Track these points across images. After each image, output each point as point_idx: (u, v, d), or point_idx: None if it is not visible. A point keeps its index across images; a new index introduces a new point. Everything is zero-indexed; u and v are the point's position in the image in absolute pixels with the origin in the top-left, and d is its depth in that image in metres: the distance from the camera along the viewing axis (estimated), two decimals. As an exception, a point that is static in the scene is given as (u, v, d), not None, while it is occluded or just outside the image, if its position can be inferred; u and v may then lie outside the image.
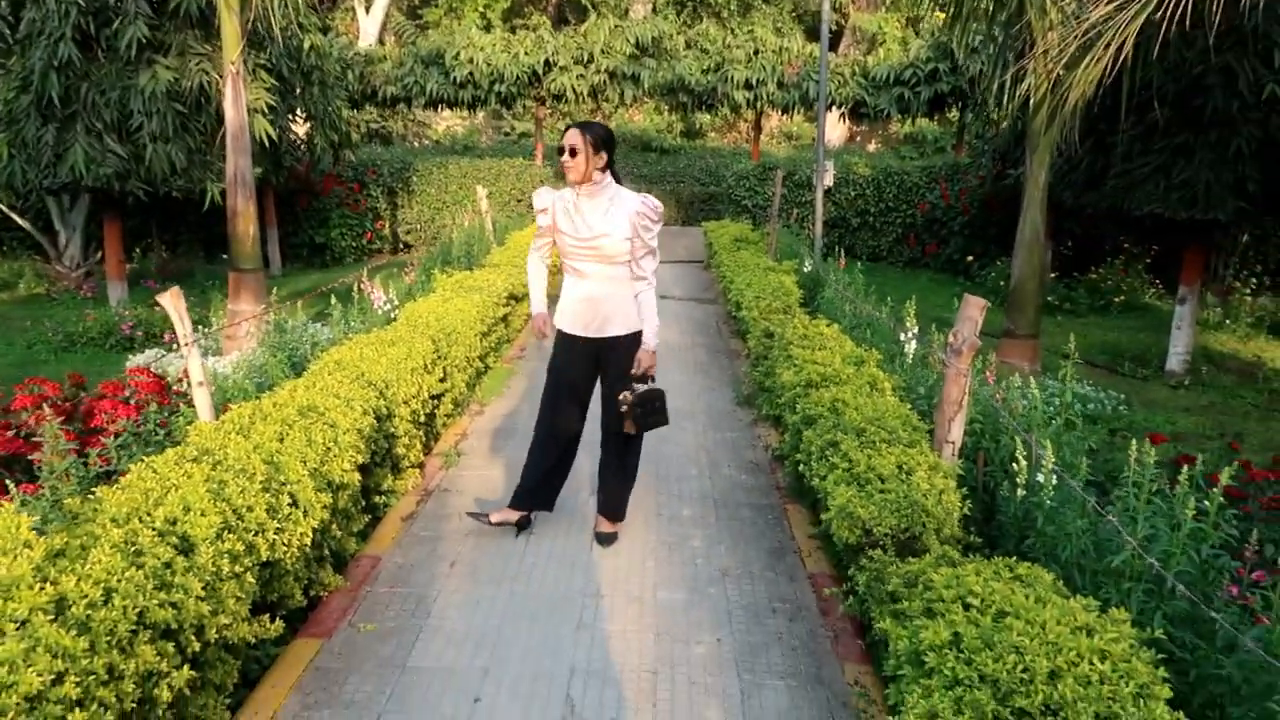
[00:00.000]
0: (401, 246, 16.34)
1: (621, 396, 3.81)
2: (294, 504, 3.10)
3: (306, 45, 12.47)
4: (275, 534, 2.93)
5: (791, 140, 27.68)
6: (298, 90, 12.47)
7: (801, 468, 4.06)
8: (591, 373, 3.97)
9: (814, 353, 4.96)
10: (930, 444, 3.65)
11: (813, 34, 23.67)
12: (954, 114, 16.99)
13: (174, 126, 8.03)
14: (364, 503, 4.16)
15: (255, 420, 3.57)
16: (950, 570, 2.53)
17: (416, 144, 25.72)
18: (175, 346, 7.99)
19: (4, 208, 12.12)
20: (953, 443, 3.58)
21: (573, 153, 3.59)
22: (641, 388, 3.82)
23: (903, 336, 5.54)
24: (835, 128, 25.70)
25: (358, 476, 3.70)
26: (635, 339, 3.84)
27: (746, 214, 15.53)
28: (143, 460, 3.03)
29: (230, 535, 2.69)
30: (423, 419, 4.94)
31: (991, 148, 11.28)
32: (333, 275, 13.00)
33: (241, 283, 7.43)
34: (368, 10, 25.12)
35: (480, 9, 26.02)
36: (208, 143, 9.18)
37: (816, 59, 15.63)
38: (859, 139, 29.53)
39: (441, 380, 5.31)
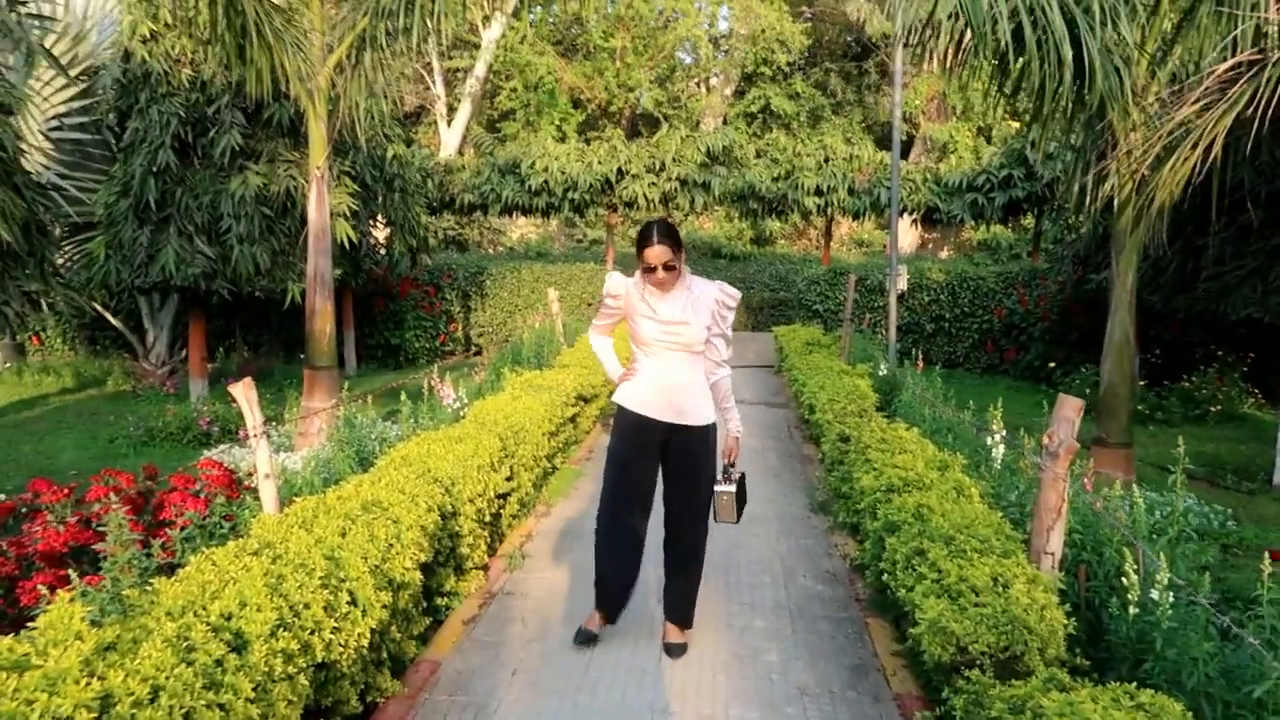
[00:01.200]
0: (474, 349, 16.63)
1: (720, 489, 3.76)
2: (353, 602, 3.00)
3: (389, 154, 13.05)
4: (332, 633, 2.82)
5: (862, 247, 27.75)
6: (379, 197, 12.99)
7: (885, 578, 3.81)
8: (656, 464, 3.83)
9: (894, 456, 4.76)
10: (1026, 555, 3.39)
11: (882, 143, 24.01)
12: (1028, 220, 16.84)
13: (260, 229, 8.41)
14: (425, 604, 4.03)
15: (318, 514, 3.51)
16: (1062, 696, 2.28)
17: (491, 250, 26.51)
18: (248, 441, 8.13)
19: (99, 307, 12.73)
20: (1052, 554, 3.33)
21: (669, 268, 3.57)
22: (735, 474, 3.79)
23: (989, 441, 5.30)
24: (907, 234, 25.71)
25: (419, 576, 3.58)
26: (706, 433, 3.73)
27: (817, 319, 15.44)
28: (204, 552, 2.98)
29: (285, 633, 2.58)
30: (488, 518, 4.83)
31: (1071, 252, 11.07)
32: (406, 376, 13.26)
33: (316, 380, 7.55)
34: (449, 124, 26.43)
35: (556, 123, 27.11)
36: (291, 245, 9.57)
37: (887, 165, 15.75)
38: (930, 245, 29.48)
39: (508, 479, 5.23)
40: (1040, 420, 4.20)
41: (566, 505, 6.45)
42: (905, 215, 17.83)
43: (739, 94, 29.01)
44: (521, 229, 29.75)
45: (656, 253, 3.51)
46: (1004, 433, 5.22)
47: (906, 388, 7.35)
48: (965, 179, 14.95)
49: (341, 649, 2.89)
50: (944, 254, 27.97)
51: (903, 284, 10.84)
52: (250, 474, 5.16)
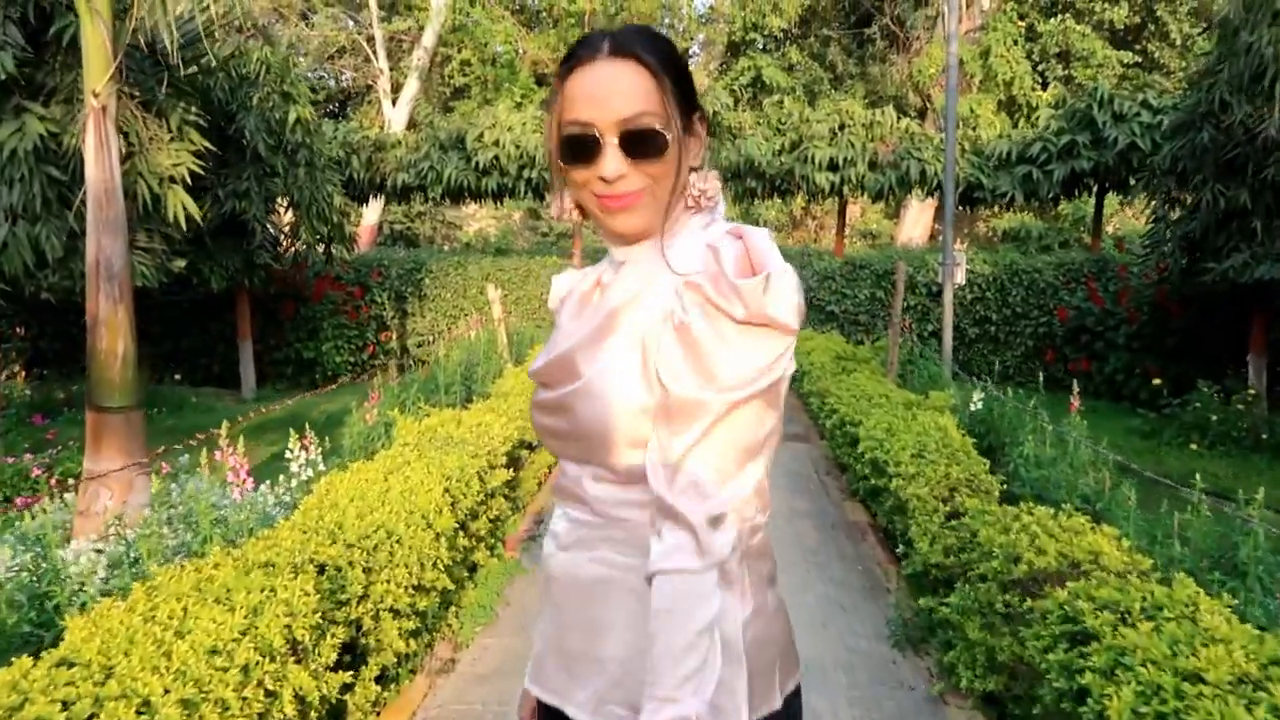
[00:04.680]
0: (411, 363, 14.07)
1: None
2: None
3: (291, 118, 10.52)
4: None
5: (867, 239, 25.39)
6: (277, 172, 10.45)
7: None
8: None
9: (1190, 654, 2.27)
10: None
11: (902, 113, 21.61)
12: (1085, 200, 14.53)
13: (45, 200, 5.81)
14: None
15: None
16: None
17: (446, 247, 23.96)
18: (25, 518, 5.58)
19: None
20: None
21: (648, 152, 1.14)
22: None
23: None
24: (917, 224, 23.42)
25: None
26: None
27: (832, 322, 13.05)
28: None
29: None
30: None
31: (1180, 233, 8.74)
32: (322, 399, 10.72)
33: (104, 428, 5.02)
34: (394, 103, 23.78)
35: (517, 100, 24.55)
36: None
37: (914, 135, 13.38)
38: (939, 238, 27.21)
39: (337, 663, 2.75)
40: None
41: (491, 637, 4.02)
42: (930, 197, 15.47)
43: (723, 69, 26.58)
44: (480, 222, 27.20)
45: (606, 89, 1.13)
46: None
47: (1020, 438, 4.90)
48: (1014, 149, 12.59)
49: None
50: (958, 247, 25.68)
51: (961, 277, 8.46)
52: None
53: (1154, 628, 2.30)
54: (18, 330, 12.50)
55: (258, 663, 2.22)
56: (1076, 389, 5.05)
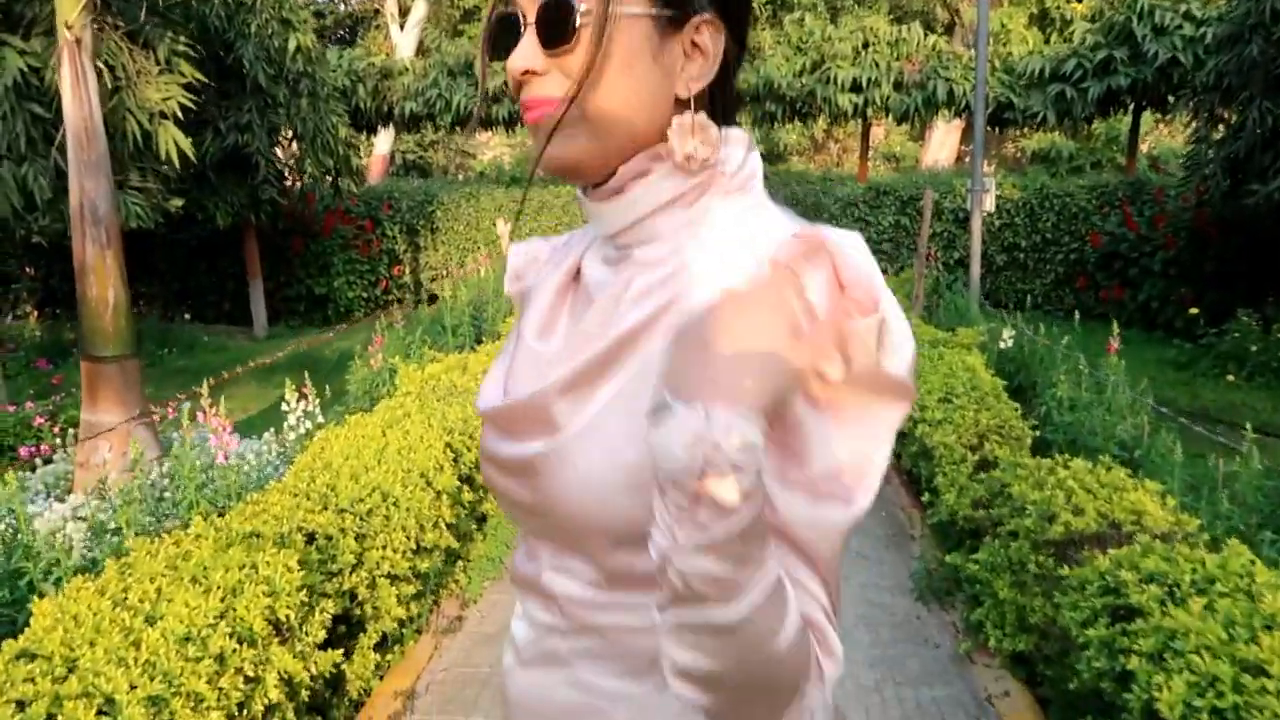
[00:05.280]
0: (426, 297, 13.87)
1: None
2: None
3: (291, 46, 10.18)
4: None
5: (891, 162, 24.76)
6: (279, 104, 10.16)
7: None
8: None
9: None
10: None
11: (928, 28, 20.81)
12: (1122, 119, 13.97)
13: (29, 139, 5.58)
14: None
15: None
16: None
17: (461, 177, 23.56)
18: (29, 470, 5.51)
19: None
20: None
21: (552, 24, 0.75)
22: None
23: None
24: (944, 146, 22.77)
25: None
26: None
27: (855, 251, 12.68)
28: None
29: None
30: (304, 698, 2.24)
31: (1225, 153, 8.30)
32: (335, 334, 10.57)
33: (98, 379, 4.91)
34: (402, 27, 23.15)
35: (531, 21, 23.78)
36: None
37: (941, 53, 12.84)
38: (966, 160, 26.49)
39: (332, 634, 2.62)
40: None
41: (497, 597, 3.92)
42: (957, 118, 14.92)
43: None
44: (494, 150, 26.71)
45: None
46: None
47: (1056, 378, 4.66)
48: (1047, 65, 12.01)
49: None
50: (987, 170, 25.01)
51: (990, 204, 8.11)
52: None
53: (1206, 604, 2.11)
54: (26, 270, 12.39)
55: (234, 650, 2.08)
56: (1116, 330, 4.78)
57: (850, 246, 0.68)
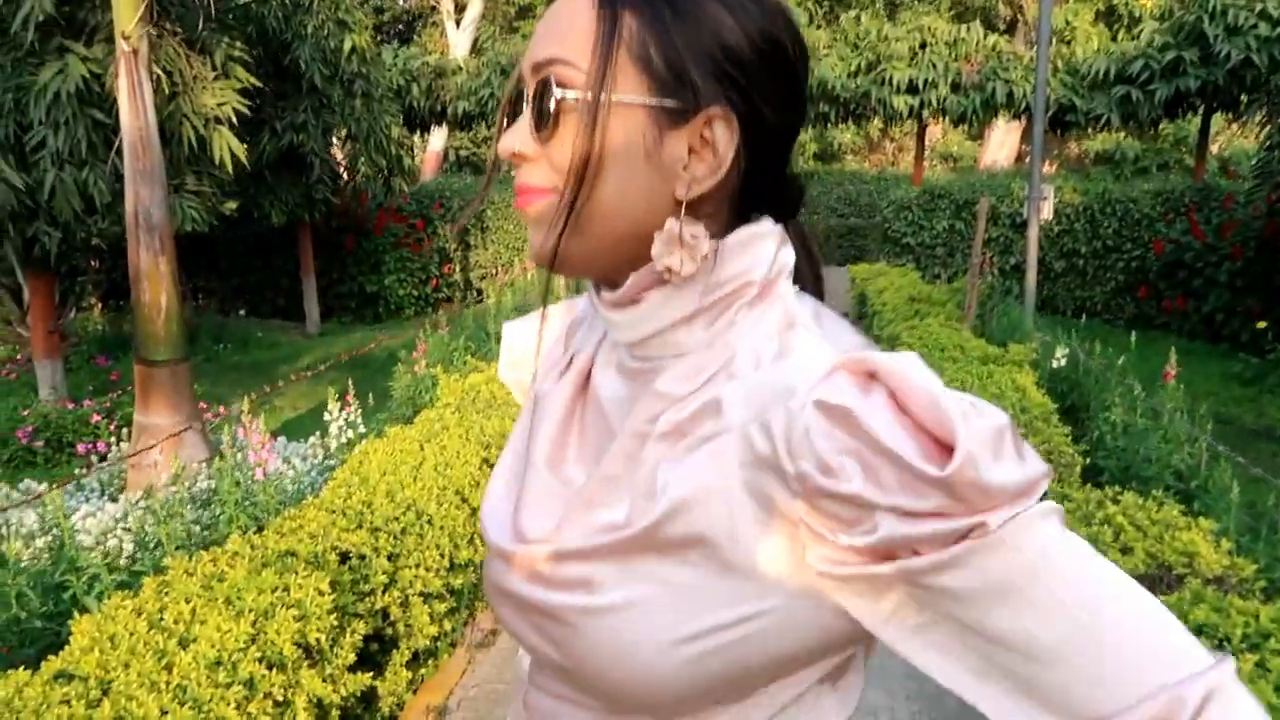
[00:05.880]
0: (475, 296, 13.99)
1: None
2: None
3: (347, 46, 10.33)
4: None
5: (948, 162, 24.38)
6: (334, 104, 10.31)
7: None
8: None
9: None
10: None
11: (990, 26, 20.42)
12: (1191, 121, 13.57)
13: (90, 144, 5.72)
14: None
15: None
16: None
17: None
18: (86, 467, 5.66)
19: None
20: None
21: (538, 108, 0.70)
22: None
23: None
24: (1003, 146, 22.35)
25: None
26: None
27: (908, 254, 12.52)
28: None
29: None
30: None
31: (1296, 161, 8.04)
32: (385, 331, 10.70)
33: (152, 383, 5.02)
34: (458, 25, 23.35)
35: (584, 18, 23.81)
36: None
37: (1001, 53, 12.59)
38: (1027, 161, 25.96)
39: (364, 653, 2.65)
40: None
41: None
42: (1016, 120, 14.64)
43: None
44: (547, 147, 26.79)
45: (547, 22, 0.72)
46: None
47: (1107, 401, 4.53)
48: (1113, 66, 11.71)
49: None
50: (1048, 170, 24.48)
51: (1048, 211, 7.93)
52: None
53: (1258, 661, 2.04)
54: (91, 263, 12.73)
55: (264, 675, 2.11)
56: (1174, 355, 4.63)
57: (907, 370, 0.60)
